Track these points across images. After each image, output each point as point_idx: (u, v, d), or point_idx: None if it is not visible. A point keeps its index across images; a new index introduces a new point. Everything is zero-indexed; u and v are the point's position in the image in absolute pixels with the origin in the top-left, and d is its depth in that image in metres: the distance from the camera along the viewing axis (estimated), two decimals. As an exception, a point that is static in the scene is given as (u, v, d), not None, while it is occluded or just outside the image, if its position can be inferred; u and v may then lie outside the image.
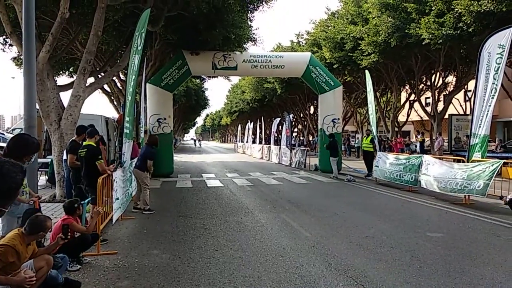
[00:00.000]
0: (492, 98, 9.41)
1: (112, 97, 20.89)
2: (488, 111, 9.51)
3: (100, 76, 13.41)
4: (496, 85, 9.34)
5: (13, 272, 3.59)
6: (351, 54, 20.41)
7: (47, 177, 11.37)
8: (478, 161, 9.37)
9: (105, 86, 19.68)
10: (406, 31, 16.65)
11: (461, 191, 9.24)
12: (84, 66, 9.47)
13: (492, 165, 8.64)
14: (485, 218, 7.96)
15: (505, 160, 9.33)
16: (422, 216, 8.35)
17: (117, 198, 6.67)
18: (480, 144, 9.69)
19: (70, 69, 18.38)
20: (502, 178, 8.57)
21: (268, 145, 28.43)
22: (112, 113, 21.94)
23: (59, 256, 4.38)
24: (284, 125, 24.35)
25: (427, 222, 7.71)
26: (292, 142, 26.19)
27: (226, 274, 4.82)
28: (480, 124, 9.65)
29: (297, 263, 5.20)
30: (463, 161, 10.00)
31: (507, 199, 7.31)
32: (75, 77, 10.24)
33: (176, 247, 5.95)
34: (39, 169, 10.02)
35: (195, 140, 74.70)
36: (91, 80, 12.02)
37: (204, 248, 5.89)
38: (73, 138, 6.93)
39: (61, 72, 18.19)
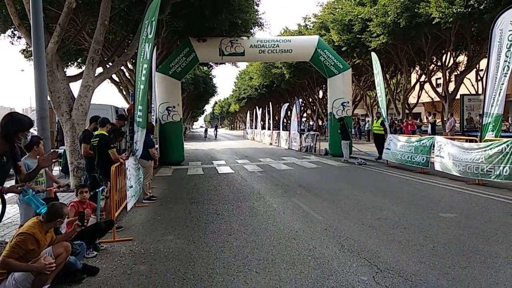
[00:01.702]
0: (505, 76, 9.22)
1: (121, 87, 20.97)
2: (501, 89, 9.34)
3: (108, 66, 13.46)
4: (509, 62, 9.15)
5: (33, 259, 3.69)
6: (359, 36, 20.12)
7: (60, 168, 11.54)
8: (491, 140, 9.25)
9: (114, 76, 19.73)
10: (416, 10, 16.34)
11: (485, 175, 9.04)
12: (93, 56, 9.50)
13: (508, 145, 8.51)
14: (499, 198, 7.90)
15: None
16: (434, 197, 8.32)
17: (131, 186, 6.75)
18: (493, 124, 9.55)
19: (79, 60, 18.43)
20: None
21: (278, 131, 28.40)
22: (122, 103, 22.07)
23: (76, 243, 4.48)
24: (294, 109, 24.26)
25: (440, 202, 7.68)
26: (302, 127, 26.14)
27: (240, 257, 4.88)
28: (493, 103, 9.49)
29: (310, 246, 5.24)
30: (475, 141, 9.88)
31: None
32: (83, 68, 10.29)
33: (190, 233, 6.03)
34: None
35: (206, 129, 51.74)
36: (99, 70, 12.07)
37: (217, 233, 5.96)
38: (86, 128, 7.01)
39: (69, 63, 18.27)
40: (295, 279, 4.18)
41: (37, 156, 4.84)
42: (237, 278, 4.26)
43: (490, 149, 8.94)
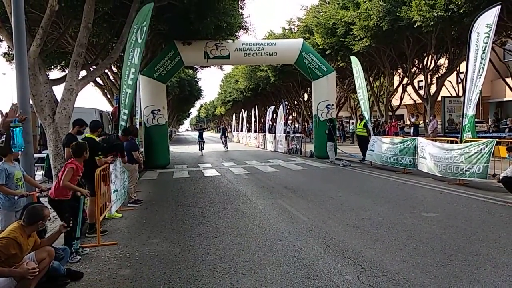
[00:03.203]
0: (479, 78, 9.44)
1: (105, 90, 20.76)
2: (475, 91, 9.58)
3: (92, 69, 13.32)
4: (483, 64, 9.36)
5: (16, 264, 3.64)
6: (343, 40, 20.35)
7: (43, 172, 11.36)
8: (470, 141, 9.47)
9: (98, 79, 19.54)
10: (398, 14, 16.60)
11: (463, 175, 9.28)
12: (76, 59, 9.39)
13: (486, 146, 8.73)
14: (479, 197, 8.09)
15: (497, 140, 9.42)
16: (417, 197, 8.47)
17: (115, 190, 6.70)
18: (469, 124, 9.81)
19: (62, 63, 18.20)
20: (495, 158, 8.67)
21: (264, 133, 28.46)
22: (106, 106, 21.83)
23: (60, 247, 4.43)
24: (280, 112, 24.36)
25: (422, 202, 7.83)
26: (287, 130, 26.25)
27: (227, 259, 4.89)
28: (470, 104, 9.74)
29: (295, 247, 5.29)
30: (456, 142, 10.10)
31: (500, 177, 7.42)
32: (66, 71, 10.18)
33: (176, 236, 6.01)
34: (35, 164, 10.00)
35: (201, 133, 26.03)
36: (83, 73, 11.94)
37: (203, 236, 5.96)
38: (69, 132, 6.93)
39: (52, 67, 18.02)
40: (281, 280, 4.21)
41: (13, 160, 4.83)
42: (223, 280, 4.27)
43: (470, 149, 9.15)
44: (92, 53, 15.45)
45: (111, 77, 19.17)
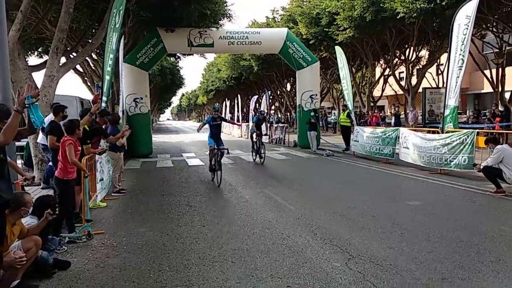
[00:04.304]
0: (460, 69, 9.63)
1: (86, 78, 20.29)
2: (457, 82, 9.77)
3: (72, 56, 12.99)
4: (463, 56, 9.55)
5: (1, 253, 3.55)
6: (327, 30, 20.39)
7: (23, 161, 11.08)
8: (452, 131, 9.69)
9: (78, 67, 19.06)
10: (381, 5, 16.73)
11: (447, 165, 9.47)
12: (57, 45, 9.15)
13: (468, 137, 8.95)
14: (460, 186, 8.31)
15: (478, 130, 9.67)
16: (400, 186, 8.64)
17: (101, 179, 6.60)
18: (451, 115, 10.02)
19: (39, 49, 17.70)
20: (475, 148, 8.91)
21: (247, 123, 28.41)
22: (86, 94, 21.33)
23: (49, 237, 4.37)
24: (263, 101, 24.34)
25: (405, 191, 8.00)
26: (271, 120, 26.27)
27: (216, 248, 4.90)
28: (451, 95, 9.94)
29: (283, 235, 5.33)
30: (438, 133, 10.31)
31: (481, 167, 7.62)
32: (45, 58, 9.90)
33: (163, 225, 5.98)
34: (15, 153, 9.74)
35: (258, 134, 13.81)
36: (63, 60, 11.64)
37: (191, 225, 5.95)
38: (53, 119, 6.77)
39: (30, 53, 17.50)
40: (271, 267, 4.25)
41: None
42: (213, 268, 4.28)
43: (452, 140, 9.35)
44: (72, 39, 15.06)
45: (92, 64, 18.74)
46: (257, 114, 16.38)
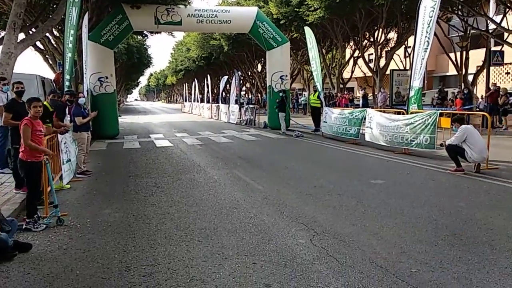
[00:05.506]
0: (425, 51, 9.85)
1: (47, 55, 19.41)
2: (421, 64, 9.99)
3: (31, 32, 12.36)
4: (429, 38, 9.75)
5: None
6: (297, 10, 20.29)
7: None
8: (416, 112, 9.96)
9: (38, 44, 18.19)
10: (351, -14, 16.78)
11: (409, 144, 9.77)
12: (14, 20, 8.65)
13: (430, 117, 9.22)
14: (422, 165, 8.61)
15: (440, 111, 9.96)
16: (365, 165, 8.86)
17: (69, 160, 6.38)
18: (415, 96, 10.29)
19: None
20: (437, 129, 9.20)
21: (217, 104, 28.18)
22: (48, 73, 20.44)
23: (8, 219, 4.22)
24: (233, 82, 24.14)
25: (370, 170, 8.20)
26: (241, 101, 26.16)
27: (182, 227, 4.89)
28: (416, 77, 10.18)
29: (250, 214, 5.38)
30: (403, 114, 10.58)
31: (446, 144, 7.87)
32: (3, 33, 9.37)
33: (129, 206, 5.90)
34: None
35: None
36: (21, 36, 11.06)
37: (158, 205, 5.90)
38: (13, 97, 6.49)
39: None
40: (237, 245, 4.29)
41: None
42: (179, 247, 4.27)
43: (415, 120, 9.62)
44: (31, 15, 14.31)
45: (53, 41, 17.92)
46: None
